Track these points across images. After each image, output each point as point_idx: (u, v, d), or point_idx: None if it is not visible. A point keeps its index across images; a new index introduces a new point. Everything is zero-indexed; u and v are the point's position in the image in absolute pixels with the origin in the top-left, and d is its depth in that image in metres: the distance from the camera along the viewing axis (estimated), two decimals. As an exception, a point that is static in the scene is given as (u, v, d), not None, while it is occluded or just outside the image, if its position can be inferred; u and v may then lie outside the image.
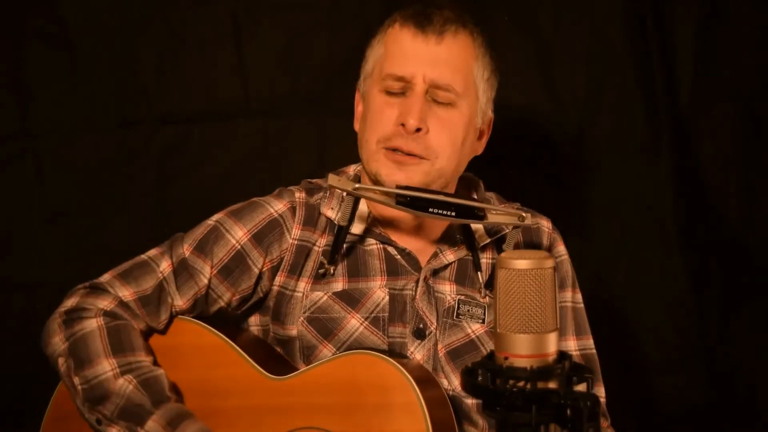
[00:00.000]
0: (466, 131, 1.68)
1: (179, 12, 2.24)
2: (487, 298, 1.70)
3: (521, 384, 1.11)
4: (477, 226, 1.73)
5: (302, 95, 2.27)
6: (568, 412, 1.09)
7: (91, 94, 2.22)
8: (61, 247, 2.21)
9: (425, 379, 1.57)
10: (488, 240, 1.73)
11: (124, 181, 2.24)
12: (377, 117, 1.66)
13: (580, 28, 2.31)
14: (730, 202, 2.30)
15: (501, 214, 1.63)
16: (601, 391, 1.76)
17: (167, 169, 2.25)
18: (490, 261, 1.74)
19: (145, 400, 1.55)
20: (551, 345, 1.14)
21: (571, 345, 1.76)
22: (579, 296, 1.80)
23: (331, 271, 1.68)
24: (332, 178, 1.61)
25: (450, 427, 1.56)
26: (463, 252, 1.73)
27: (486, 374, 1.14)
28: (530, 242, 1.77)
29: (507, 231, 1.70)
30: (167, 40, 2.24)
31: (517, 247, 1.70)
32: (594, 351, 1.78)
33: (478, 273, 1.72)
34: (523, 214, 1.61)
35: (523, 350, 1.13)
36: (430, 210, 1.59)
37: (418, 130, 1.62)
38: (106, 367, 1.56)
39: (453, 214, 1.60)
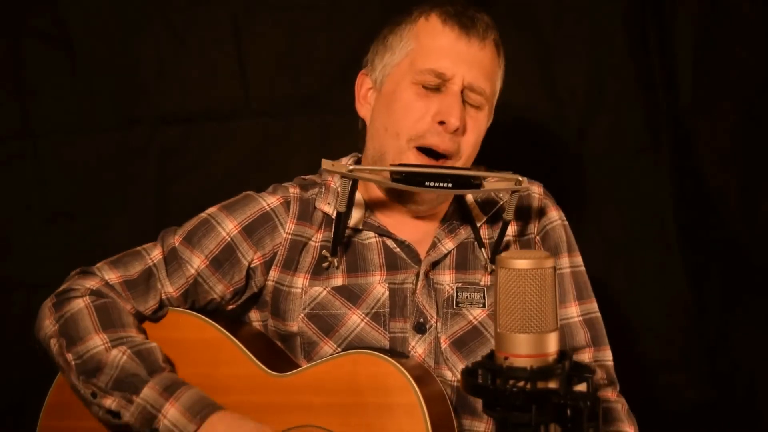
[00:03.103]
0: (483, 135, 1.71)
1: (179, 12, 2.24)
2: (489, 276, 1.70)
3: (521, 384, 1.11)
4: (472, 203, 1.74)
5: (302, 95, 2.27)
6: (568, 412, 1.09)
7: (91, 94, 2.22)
8: (61, 247, 2.21)
9: (424, 377, 1.58)
10: (484, 218, 1.74)
11: (124, 181, 2.25)
12: (410, 110, 1.65)
13: (580, 28, 2.31)
14: (730, 202, 2.30)
15: (497, 180, 1.64)
16: (608, 354, 1.76)
17: (167, 169, 2.25)
18: (488, 240, 1.74)
19: (140, 369, 1.56)
20: (551, 345, 1.14)
21: (573, 311, 1.75)
22: (578, 260, 1.79)
23: (335, 264, 1.68)
24: (326, 163, 1.61)
25: (448, 420, 1.57)
26: (461, 237, 1.73)
27: (486, 374, 1.14)
28: (520, 208, 1.75)
29: (502, 202, 1.71)
30: (167, 40, 2.24)
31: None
32: (598, 314, 1.77)
33: (482, 250, 1.71)
34: (520, 178, 1.62)
35: (523, 350, 1.13)
36: (427, 184, 1.60)
37: (456, 129, 1.63)
38: (97, 342, 1.58)
39: (450, 185, 1.60)
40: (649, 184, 2.33)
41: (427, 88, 1.64)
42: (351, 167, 1.61)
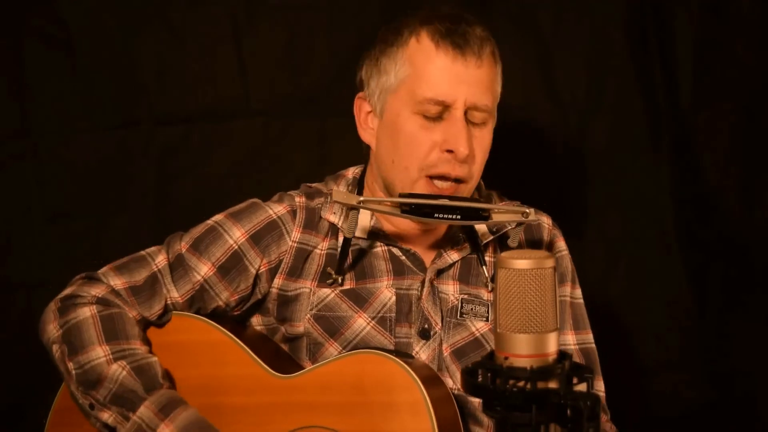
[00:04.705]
0: (491, 145, 1.69)
1: (179, 12, 2.23)
2: (491, 294, 1.71)
3: (521, 384, 1.11)
4: (480, 225, 1.73)
5: (302, 95, 2.27)
6: (568, 412, 1.09)
7: (91, 94, 2.22)
8: (61, 247, 2.21)
9: (431, 378, 1.58)
10: (491, 237, 1.74)
11: (124, 181, 2.24)
12: (416, 144, 1.62)
13: (580, 28, 2.31)
14: (730, 202, 2.30)
15: (505, 212, 1.64)
16: (600, 386, 1.77)
17: (167, 169, 2.25)
18: (493, 259, 1.74)
19: (137, 386, 1.56)
20: (551, 345, 1.14)
21: (570, 339, 1.76)
22: (578, 292, 1.80)
23: (339, 281, 1.68)
24: (337, 194, 1.62)
25: (455, 424, 1.56)
26: (466, 250, 1.74)
27: (486, 374, 1.14)
28: (531, 238, 1.77)
29: (509, 228, 1.71)
30: (167, 40, 2.24)
31: (519, 243, 1.71)
32: (593, 346, 1.78)
33: (483, 268, 1.72)
34: (527, 210, 1.62)
35: (523, 350, 1.13)
36: (436, 215, 1.59)
37: (466, 156, 1.61)
38: (99, 353, 1.58)
39: (458, 217, 1.60)
40: (649, 184, 2.33)
41: (429, 118, 1.62)
42: (362, 199, 1.60)
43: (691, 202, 2.32)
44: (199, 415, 1.57)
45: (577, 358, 1.75)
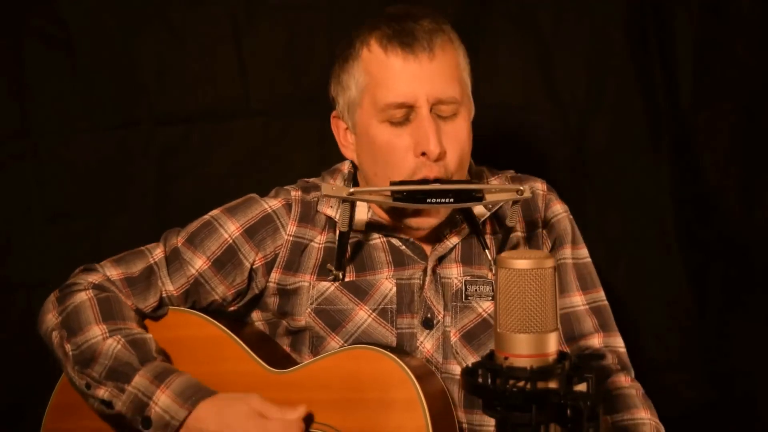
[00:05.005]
0: (469, 134, 1.67)
1: (179, 12, 2.24)
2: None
3: (521, 384, 1.11)
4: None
5: (302, 95, 2.27)
6: (568, 412, 1.09)
7: (90, 94, 2.22)
8: (61, 247, 2.21)
9: (425, 375, 1.58)
10: (488, 215, 1.73)
11: (124, 181, 2.25)
12: (390, 153, 1.62)
13: (580, 28, 2.31)
14: (730, 202, 2.30)
15: (498, 191, 1.63)
16: (619, 341, 1.76)
17: (167, 169, 2.25)
18: (492, 236, 1.73)
19: (132, 358, 1.57)
20: (551, 345, 1.14)
21: (578, 300, 1.75)
22: (582, 252, 1.79)
23: (340, 276, 1.68)
24: (326, 188, 1.60)
25: (449, 416, 1.57)
26: (465, 231, 1.73)
27: (486, 374, 1.14)
28: (527, 209, 1.75)
29: (504, 201, 1.70)
30: (167, 40, 2.24)
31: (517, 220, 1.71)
32: (605, 303, 1.77)
33: (485, 250, 1.71)
34: (521, 188, 1.60)
35: (523, 350, 1.14)
36: (429, 200, 1.59)
37: (439, 153, 1.60)
38: (96, 332, 1.60)
39: (451, 200, 1.59)
40: (649, 184, 2.32)
41: (396, 123, 1.61)
42: (351, 191, 1.60)
43: (691, 202, 2.32)
44: (195, 380, 1.58)
45: (589, 317, 1.73)
